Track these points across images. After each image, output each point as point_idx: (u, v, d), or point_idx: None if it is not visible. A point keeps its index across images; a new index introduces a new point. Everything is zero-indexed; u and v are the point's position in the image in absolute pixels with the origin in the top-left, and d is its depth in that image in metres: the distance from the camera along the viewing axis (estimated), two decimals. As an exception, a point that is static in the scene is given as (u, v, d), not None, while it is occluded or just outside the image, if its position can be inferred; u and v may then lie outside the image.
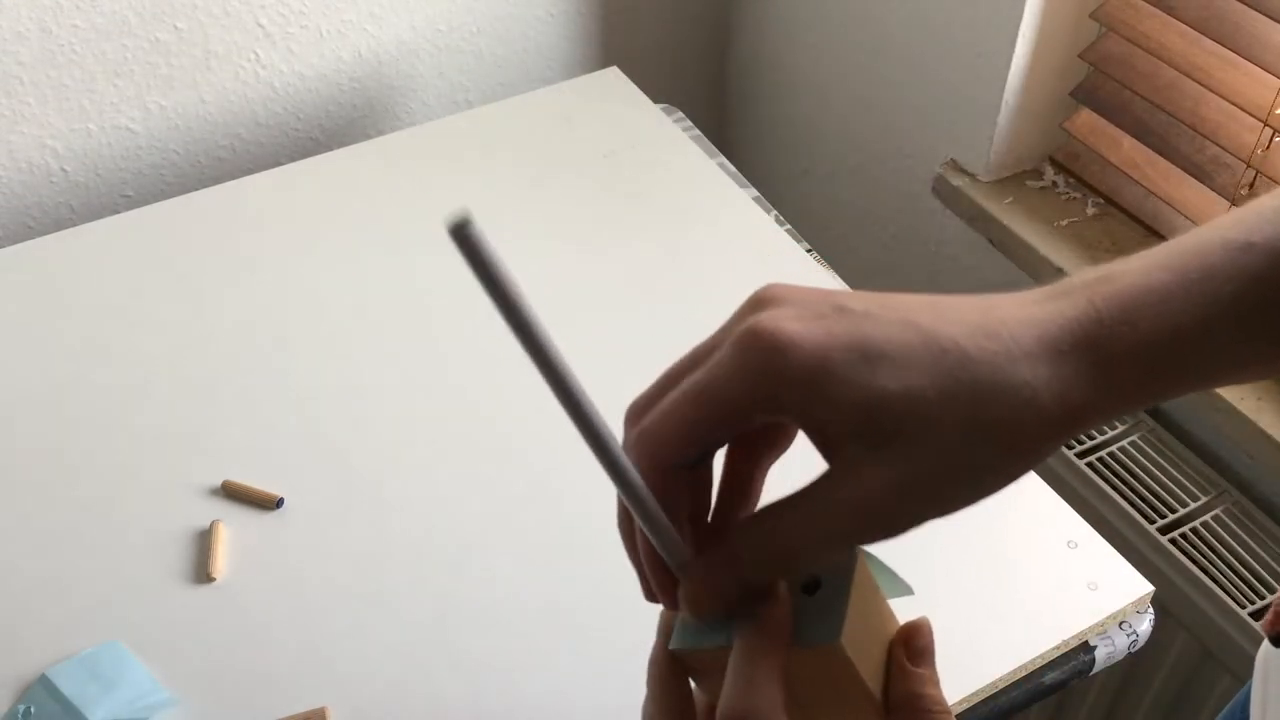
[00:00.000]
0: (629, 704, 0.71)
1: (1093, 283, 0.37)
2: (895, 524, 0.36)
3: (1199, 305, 0.36)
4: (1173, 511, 1.03)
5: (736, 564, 0.37)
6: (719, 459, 0.41)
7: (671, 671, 0.40)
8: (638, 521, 0.37)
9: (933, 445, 0.34)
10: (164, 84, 1.16)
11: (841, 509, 0.35)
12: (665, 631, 0.40)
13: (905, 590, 0.41)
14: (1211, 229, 0.38)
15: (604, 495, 0.81)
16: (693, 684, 0.41)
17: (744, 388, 0.35)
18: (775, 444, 0.41)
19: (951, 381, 0.35)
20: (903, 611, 0.40)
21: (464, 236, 0.29)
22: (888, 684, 0.38)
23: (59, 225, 1.17)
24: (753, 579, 0.37)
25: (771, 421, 0.37)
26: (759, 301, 0.37)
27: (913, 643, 0.39)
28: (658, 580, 0.39)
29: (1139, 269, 0.37)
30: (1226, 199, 1.03)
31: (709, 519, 0.41)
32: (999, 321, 0.36)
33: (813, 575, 0.38)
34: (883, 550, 0.40)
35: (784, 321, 0.35)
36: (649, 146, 1.12)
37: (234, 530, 0.80)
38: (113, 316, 0.95)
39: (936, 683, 0.38)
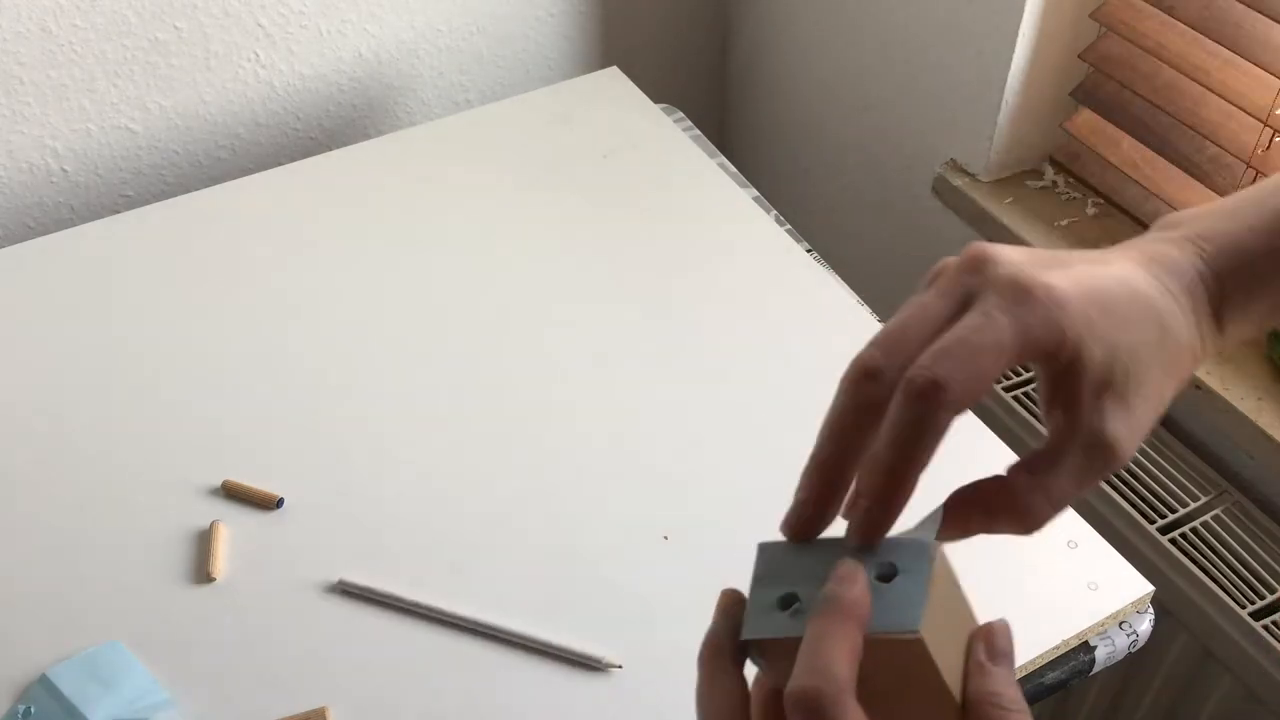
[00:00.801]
0: (627, 703, 0.71)
1: (1195, 239, 0.43)
2: (1119, 466, 0.40)
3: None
4: (1173, 511, 1.03)
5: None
6: None
7: (725, 655, 0.39)
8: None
9: (1152, 396, 0.40)
10: (164, 84, 1.16)
11: (1096, 459, 0.39)
12: (725, 616, 0.40)
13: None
14: None
15: (603, 497, 0.82)
16: (754, 669, 0.40)
17: (1022, 337, 0.38)
18: None
19: (1157, 335, 0.40)
20: None
21: None
22: (964, 680, 0.37)
23: (59, 225, 1.17)
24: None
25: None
26: (986, 259, 0.39)
27: (994, 642, 0.38)
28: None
29: (1233, 235, 0.43)
30: (1226, 199, 1.03)
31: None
32: (1162, 272, 0.42)
33: (889, 563, 0.37)
34: None
35: (1038, 273, 0.39)
36: (649, 146, 1.12)
37: (234, 530, 0.80)
38: (113, 316, 0.95)
39: (1015, 684, 0.38)
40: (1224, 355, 1.02)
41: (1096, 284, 0.40)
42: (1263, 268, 0.43)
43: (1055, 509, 0.40)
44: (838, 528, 0.39)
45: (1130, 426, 0.40)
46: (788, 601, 0.38)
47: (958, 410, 0.37)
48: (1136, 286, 0.41)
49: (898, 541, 0.38)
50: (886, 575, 0.37)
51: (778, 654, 0.38)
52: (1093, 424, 0.39)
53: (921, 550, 0.37)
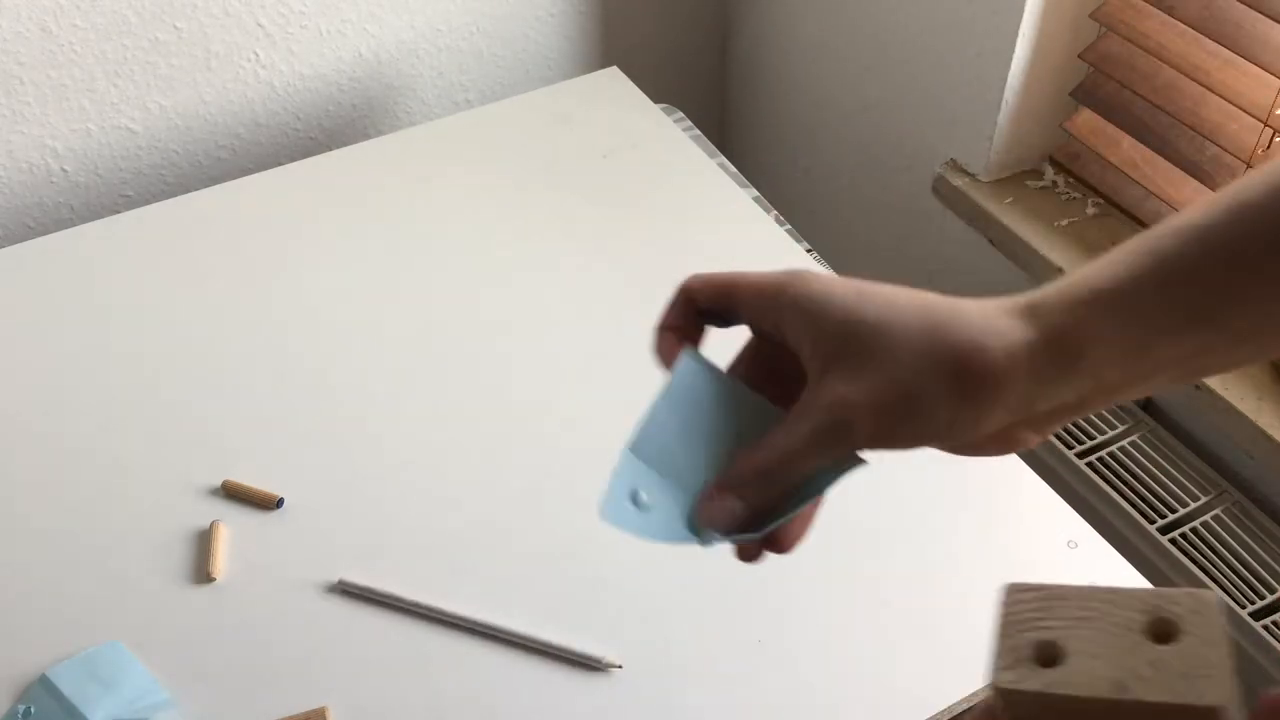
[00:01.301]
0: (627, 703, 0.71)
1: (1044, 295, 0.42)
2: (854, 437, 0.41)
3: (1126, 275, 0.40)
4: (1173, 511, 1.03)
5: (740, 487, 0.44)
6: None
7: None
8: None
9: (892, 371, 0.40)
10: (164, 84, 1.16)
11: (815, 416, 0.41)
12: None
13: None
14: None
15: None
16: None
17: (767, 284, 0.45)
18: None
19: (918, 319, 0.41)
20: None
21: None
22: None
23: (59, 225, 1.17)
24: (753, 497, 0.43)
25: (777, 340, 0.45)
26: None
27: None
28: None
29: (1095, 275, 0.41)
30: (1226, 199, 1.03)
31: None
32: (970, 301, 0.42)
33: (1171, 622, 0.35)
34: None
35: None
36: (649, 146, 1.12)
37: (234, 530, 0.80)
38: (112, 316, 0.95)
39: None
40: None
41: (862, 282, 0.43)
42: (1135, 305, 0.39)
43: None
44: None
45: (853, 396, 0.41)
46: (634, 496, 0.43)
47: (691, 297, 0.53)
48: (914, 291, 0.42)
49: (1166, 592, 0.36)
50: (1164, 636, 0.35)
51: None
52: (821, 390, 0.41)
53: (1207, 606, 0.35)
